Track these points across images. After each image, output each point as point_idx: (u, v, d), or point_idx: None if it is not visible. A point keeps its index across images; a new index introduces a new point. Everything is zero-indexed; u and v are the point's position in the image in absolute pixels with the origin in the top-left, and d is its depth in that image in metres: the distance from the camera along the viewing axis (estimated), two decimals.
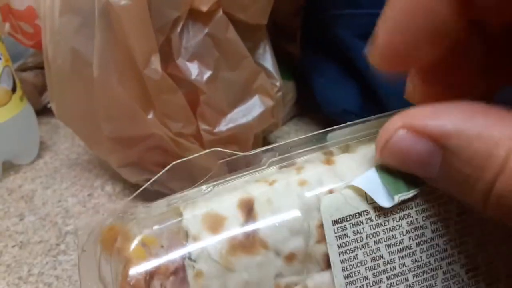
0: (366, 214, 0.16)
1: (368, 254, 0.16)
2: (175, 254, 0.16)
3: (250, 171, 0.18)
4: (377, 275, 0.16)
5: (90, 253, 0.17)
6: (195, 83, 0.31)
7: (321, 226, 0.16)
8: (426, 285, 0.17)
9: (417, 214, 0.16)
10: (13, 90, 0.40)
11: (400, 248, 0.16)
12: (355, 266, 0.16)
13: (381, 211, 0.16)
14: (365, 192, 0.16)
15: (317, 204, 0.16)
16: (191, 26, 0.30)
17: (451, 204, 0.16)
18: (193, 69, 0.31)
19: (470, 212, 0.17)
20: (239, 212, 0.16)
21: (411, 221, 0.16)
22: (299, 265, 0.16)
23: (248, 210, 0.16)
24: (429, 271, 0.17)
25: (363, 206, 0.16)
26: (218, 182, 0.18)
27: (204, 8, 0.30)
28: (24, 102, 0.42)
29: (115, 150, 0.33)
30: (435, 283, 0.17)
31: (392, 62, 0.15)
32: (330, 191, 0.16)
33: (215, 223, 0.16)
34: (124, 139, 0.32)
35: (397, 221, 0.16)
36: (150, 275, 0.16)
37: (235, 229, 0.16)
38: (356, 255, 0.16)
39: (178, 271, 0.16)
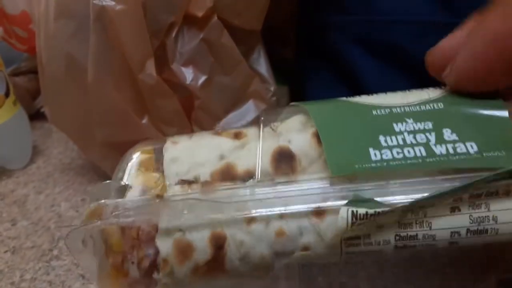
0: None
1: None
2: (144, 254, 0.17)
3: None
4: None
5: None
6: (190, 88, 0.31)
7: (288, 266, 0.17)
8: None
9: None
10: (6, 94, 0.40)
11: None
12: None
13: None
14: (341, 248, 0.16)
15: (288, 252, 0.16)
16: (186, 31, 0.31)
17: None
18: (188, 74, 0.31)
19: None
20: (208, 247, 0.17)
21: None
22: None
23: (218, 247, 0.16)
24: None
25: (335, 259, 0.16)
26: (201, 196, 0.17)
27: (199, 13, 0.30)
28: (17, 106, 0.42)
29: (108, 155, 0.33)
30: None
31: (468, 85, 0.18)
32: (306, 248, 0.16)
33: (184, 252, 0.17)
34: (118, 144, 0.32)
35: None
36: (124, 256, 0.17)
37: (202, 261, 0.17)
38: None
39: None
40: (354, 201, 0.15)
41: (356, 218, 0.15)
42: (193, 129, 0.33)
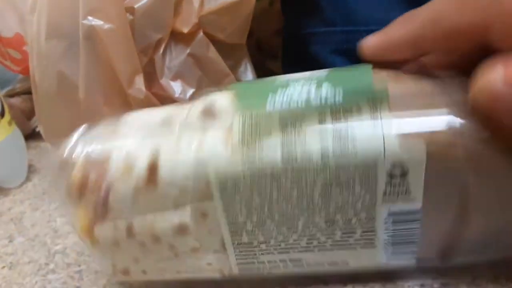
0: None
1: (244, 203, 0.20)
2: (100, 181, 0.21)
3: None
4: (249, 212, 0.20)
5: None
6: (178, 101, 0.32)
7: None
8: (289, 224, 0.20)
9: (286, 182, 0.19)
10: (2, 114, 0.41)
11: (270, 200, 0.20)
12: (234, 210, 0.20)
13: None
14: None
15: None
16: (174, 47, 0.32)
17: (318, 180, 0.19)
18: (177, 88, 0.32)
19: (336, 186, 0.19)
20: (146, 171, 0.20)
21: (278, 185, 0.19)
22: None
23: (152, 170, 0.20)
24: (292, 217, 0.20)
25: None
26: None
27: (185, 30, 0.31)
28: (12, 126, 0.43)
29: None
30: (297, 224, 0.20)
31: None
32: None
33: (127, 169, 0.21)
34: None
35: (269, 184, 0.19)
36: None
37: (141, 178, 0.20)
38: (236, 203, 0.20)
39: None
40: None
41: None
42: None
